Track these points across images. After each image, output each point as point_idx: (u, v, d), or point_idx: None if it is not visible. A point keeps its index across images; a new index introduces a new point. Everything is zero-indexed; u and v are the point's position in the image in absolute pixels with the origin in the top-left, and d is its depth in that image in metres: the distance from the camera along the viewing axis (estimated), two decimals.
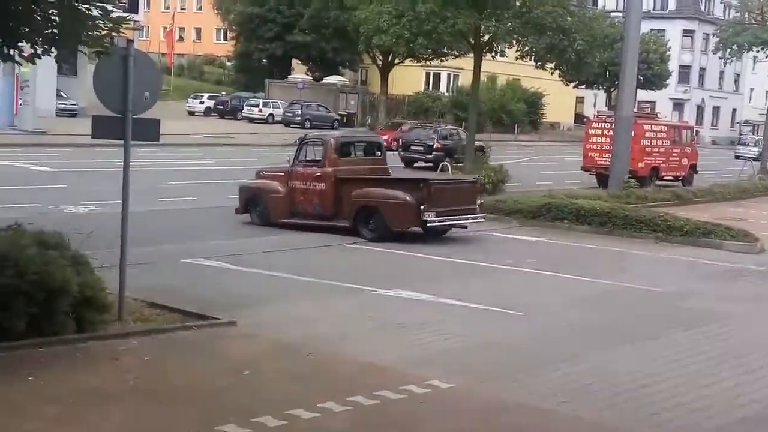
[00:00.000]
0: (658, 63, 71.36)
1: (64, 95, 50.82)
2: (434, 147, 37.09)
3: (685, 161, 34.72)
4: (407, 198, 17.08)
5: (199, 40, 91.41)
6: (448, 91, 69.61)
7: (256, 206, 18.77)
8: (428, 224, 17.11)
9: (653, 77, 70.64)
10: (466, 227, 18.36)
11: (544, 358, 9.66)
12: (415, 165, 37.16)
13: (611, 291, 13.81)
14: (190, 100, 63.98)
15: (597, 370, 9.28)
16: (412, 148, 38.32)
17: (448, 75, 69.99)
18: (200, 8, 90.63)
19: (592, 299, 13.08)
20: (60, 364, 8.35)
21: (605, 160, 30.00)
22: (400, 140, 40.26)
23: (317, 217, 18.07)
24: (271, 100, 62.50)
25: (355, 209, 17.56)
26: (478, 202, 18.54)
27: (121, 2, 10.39)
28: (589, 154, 32.83)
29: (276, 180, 18.72)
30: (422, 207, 16.85)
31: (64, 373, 8.13)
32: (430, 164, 34.79)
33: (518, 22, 30.60)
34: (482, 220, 18.84)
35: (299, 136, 20.07)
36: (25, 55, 9.57)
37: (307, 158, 18.58)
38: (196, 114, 61.76)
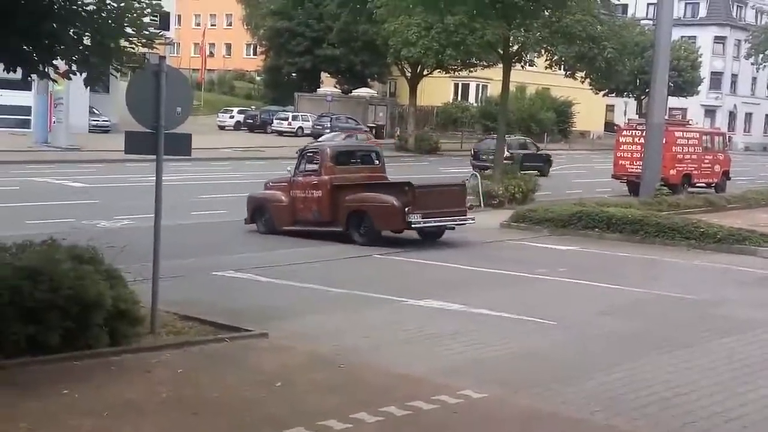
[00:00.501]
0: (689, 70, 70.95)
1: (96, 112, 51.46)
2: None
3: (717, 168, 34.46)
4: (394, 201, 17.65)
5: (229, 55, 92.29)
6: (476, 101, 69.55)
7: (262, 215, 19.42)
8: (413, 225, 17.67)
9: (684, 84, 70.25)
10: (453, 228, 18.82)
11: (577, 367, 9.59)
12: (484, 173, 37.78)
13: (644, 299, 13.69)
14: (220, 114, 64.57)
15: (630, 378, 9.20)
16: (482, 157, 39.12)
17: (477, 85, 69.95)
18: (230, 24, 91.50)
19: (624, 307, 12.97)
20: (94, 377, 8.42)
21: (636, 168, 29.88)
22: (472, 150, 42.16)
23: (316, 224, 18.72)
24: (300, 113, 62.85)
25: (347, 213, 18.15)
26: (468, 204, 19.19)
27: (153, 19, 10.47)
28: (620, 162, 32.71)
29: (280, 190, 19.46)
30: (407, 209, 17.32)
31: (97, 386, 8.19)
32: None
33: (547, 31, 30.54)
34: (473, 221, 19.12)
35: (299, 148, 20.71)
36: (61, 71, 9.71)
37: (306, 168, 19.23)
38: (226, 128, 62.31)
